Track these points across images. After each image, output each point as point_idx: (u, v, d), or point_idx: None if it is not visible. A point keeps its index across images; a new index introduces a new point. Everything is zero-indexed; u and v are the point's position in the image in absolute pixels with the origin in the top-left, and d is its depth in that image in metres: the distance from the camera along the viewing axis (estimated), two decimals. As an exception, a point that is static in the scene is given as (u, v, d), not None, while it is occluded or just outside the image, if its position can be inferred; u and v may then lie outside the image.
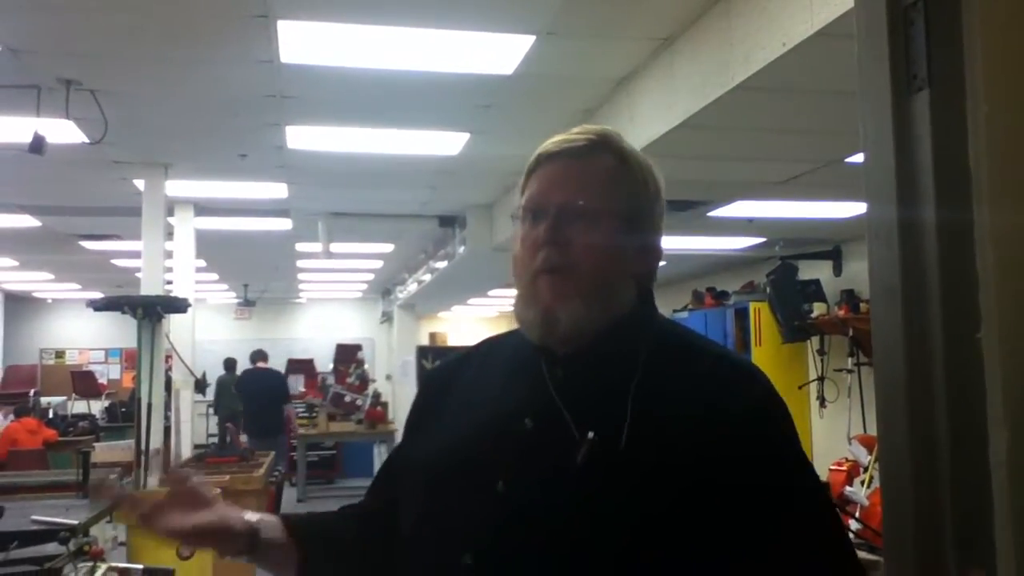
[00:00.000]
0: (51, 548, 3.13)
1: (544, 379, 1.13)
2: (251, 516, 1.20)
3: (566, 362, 1.14)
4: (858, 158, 4.78)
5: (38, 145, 4.73)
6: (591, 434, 1.05)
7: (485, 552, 1.06)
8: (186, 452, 7.70)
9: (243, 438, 10.16)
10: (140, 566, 3.20)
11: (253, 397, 9.92)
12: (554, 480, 1.06)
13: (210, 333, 15.15)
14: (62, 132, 5.10)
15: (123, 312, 6.09)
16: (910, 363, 0.95)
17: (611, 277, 1.14)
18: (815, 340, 7.87)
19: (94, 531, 3.76)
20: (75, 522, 3.44)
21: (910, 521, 0.94)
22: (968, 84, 0.91)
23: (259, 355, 10.54)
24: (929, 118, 0.95)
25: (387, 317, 17.23)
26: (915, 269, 0.95)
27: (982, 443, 0.88)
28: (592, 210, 1.13)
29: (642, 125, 4.38)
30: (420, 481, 1.19)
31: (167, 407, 6.98)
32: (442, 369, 1.35)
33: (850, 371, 7.38)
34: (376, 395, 11.71)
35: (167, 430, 7.01)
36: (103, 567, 2.92)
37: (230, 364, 12.06)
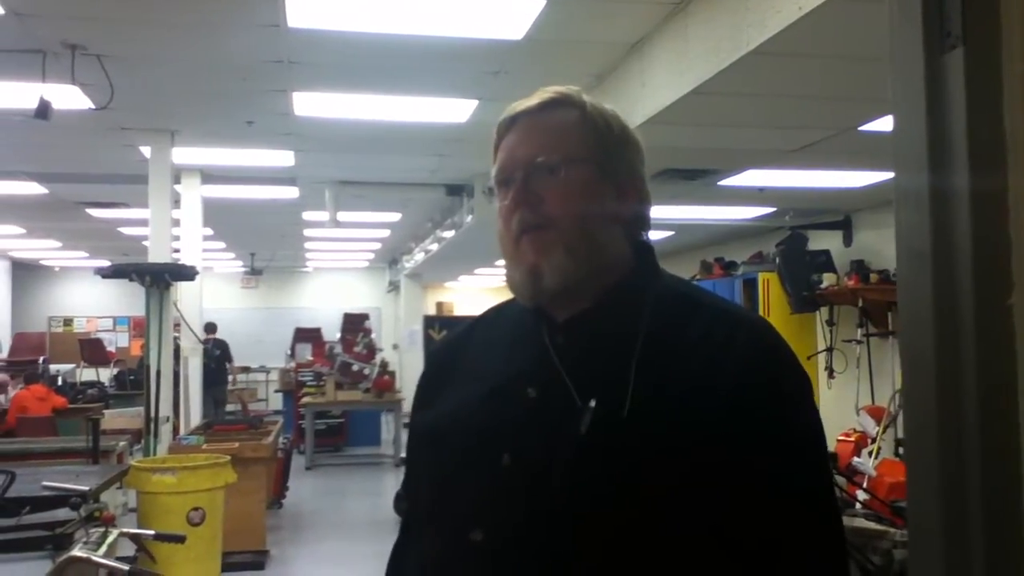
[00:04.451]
0: (62, 514, 3.14)
1: (546, 346, 1.11)
2: None
3: (566, 328, 1.12)
4: (873, 126, 4.71)
5: (44, 111, 4.69)
6: (592, 402, 1.03)
7: (494, 528, 1.05)
8: (195, 420, 7.74)
9: None
10: (151, 532, 3.21)
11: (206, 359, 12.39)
12: (559, 451, 1.04)
13: (217, 302, 15.17)
14: (68, 98, 5.06)
15: (131, 280, 6.10)
16: (939, 329, 0.92)
17: (589, 224, 1.11)
18: (824, 311, 7.84)
19: (104, 497, 3.78)
20: (86, 488, 3.45)
21: (936, 493, 0.92)
22: (1004, 41, 0.88)
23: (211, 327, 12.78)
24: (963, 77, 0.91)
25: (394, 286, 17.24)
26: (945, 233, 0.93)
27: (1013, 412, 0.86)
28: (556, 162, 1.11)
29: (654, 91, 4.32)
30: (428, 457, 1.17)
31: (175, 375, 7.00)
32: (446, 345, 1.32)
33: (859, 342, 7.37)
34: (383, 364, 11.74)
35: (176, 397, 7.04)
36: (115, 532, 2.93)
37: None
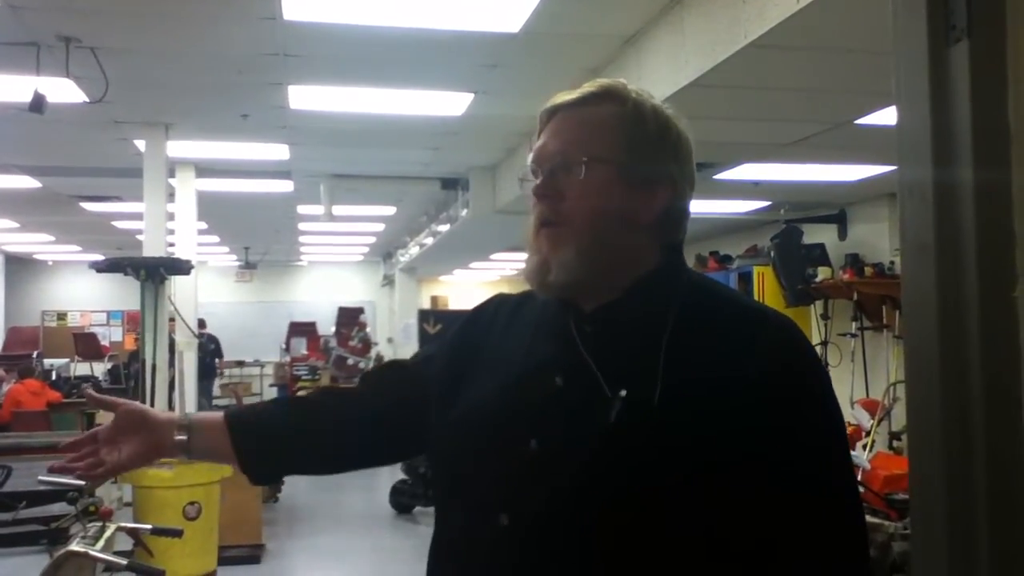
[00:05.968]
0: (58, 508, 3.13)
1: (573, 336, 1.12)
2: (183, 420, 1.29)
3: (593, 319, 1.12)
4: (869, 119, 4.71)
5: (38, 104, 4.67)
6: (623, 392, 1.04)
7: (520, 512, 1.06)
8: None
9: None
10: (148, 526, 3.20)
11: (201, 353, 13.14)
12: (587, 439, 1.05)
13: (211, 296, 15.12)
14: (62, 91, 5.04)
15: (126, 274, 6.08)
16: (943, 322, 0.92)
17: (601, 225, 1.11)
18: (819, 304, 7.85)
19: (100, 492, 3.77)
20: (82, 483, 3.44)
21: (940, 485, 0.92)
22: (1010, 35, 0.88)
23: (201, 323, 13.65)
24: (968, 71, 0.90)
25: (388, 280, 17.22)
26: (949, 226, 0.92)
27: (1017, 404, 0.86)
28: (576, 160, 1.12)
29: (650, 84, 4.31)
30: (453, 440, 1.18)
31: (170, 368, 6.99)
32: (479, 314, 1.29)
33: (854, 335, 7.38)
34: (378, 358, 11.74)
35: (171, 391, 7.03)
36: (112, 527, 2.92)
37: None
